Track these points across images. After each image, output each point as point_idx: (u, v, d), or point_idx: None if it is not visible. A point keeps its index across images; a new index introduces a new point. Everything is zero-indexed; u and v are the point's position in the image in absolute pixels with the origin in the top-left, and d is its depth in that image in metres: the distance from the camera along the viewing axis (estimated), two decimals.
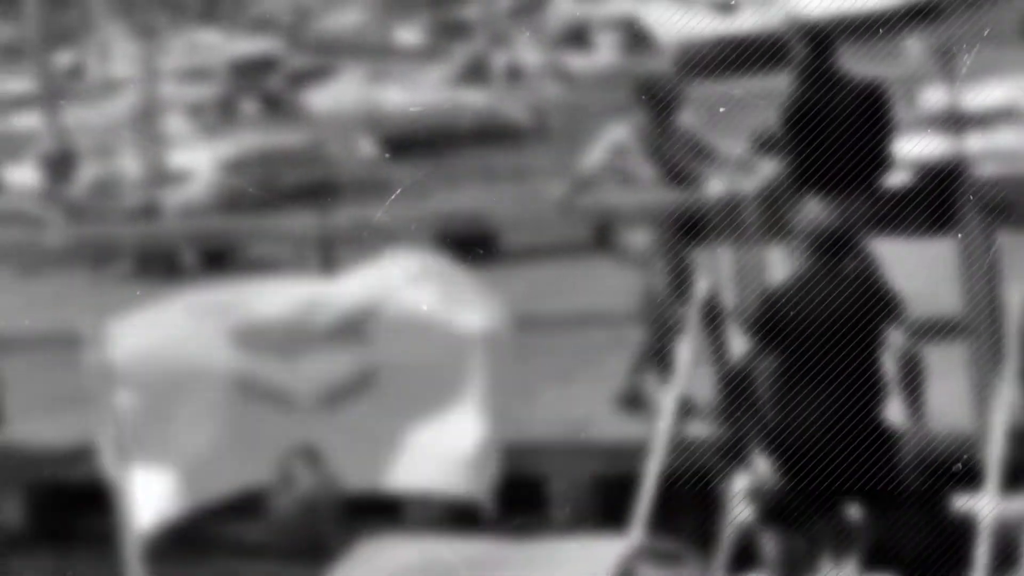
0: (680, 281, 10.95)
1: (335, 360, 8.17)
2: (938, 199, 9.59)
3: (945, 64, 18.09)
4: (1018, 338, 8.91)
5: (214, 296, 8.35)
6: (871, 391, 8.41)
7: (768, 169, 10.76)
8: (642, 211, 11.19)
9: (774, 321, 8.56)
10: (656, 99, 11.36)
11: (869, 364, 8.43)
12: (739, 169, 11.40)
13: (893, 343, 8.36)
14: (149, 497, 8.22)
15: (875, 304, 8.52)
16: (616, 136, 11.33)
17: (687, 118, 11.65)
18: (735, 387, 8.88)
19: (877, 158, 10.28)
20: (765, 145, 11.14)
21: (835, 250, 8.55)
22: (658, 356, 10.82)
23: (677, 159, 11.18)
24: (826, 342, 8.35)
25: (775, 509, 8.28)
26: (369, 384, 8.24)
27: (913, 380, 8.34)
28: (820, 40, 10.98)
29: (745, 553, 8.88)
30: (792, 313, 8.48)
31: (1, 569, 12.14)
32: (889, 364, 8.39)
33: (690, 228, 11.19)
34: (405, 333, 7.91)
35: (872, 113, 10.32)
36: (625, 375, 10.80)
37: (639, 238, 11.15)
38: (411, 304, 7.91)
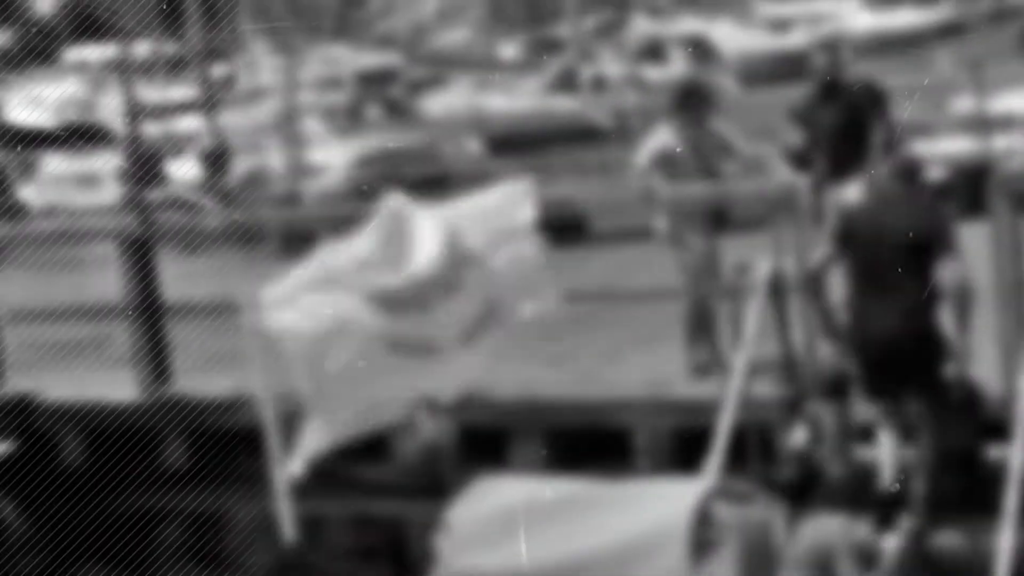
0: (710, 260, 10.99)
1: (462, 304, 8.25)
2: (971, 190, 9.56)
3: (972, 74, 17.77)
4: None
5: (337, 264, 8.43)
6: (926, 300, 8.61)
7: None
8: (681, 200, 11.12)
9: (850, 233, 8.87)
10: (692, 105, 11.33)
11: (924, 278, 8.60)
12: (755, 167, 11.60)
13: (948, 268, 8.56)
14: (299, 441, 8.26)
15: (933, 231, 8.72)
16: (662, 136, 11.32)
17: (717, 122, 11.65)
18: (814, 284, 9.10)
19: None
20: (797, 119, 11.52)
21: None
22: (702, 325, 10.83)
23: (709, 156, 11.17)
24: (891, 255, 8.62)
25: (839, 385, 8.51)
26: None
27: (963, 300, 8.54)
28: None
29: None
30: (865, 228, 8.83)
31: (168, 505, 12.22)
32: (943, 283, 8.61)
33: (719, 215, 11.34)
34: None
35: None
36: (686, 348, 10.77)
37: (672, 223, 11.10)
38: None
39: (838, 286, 9.08)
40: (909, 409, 8.74)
